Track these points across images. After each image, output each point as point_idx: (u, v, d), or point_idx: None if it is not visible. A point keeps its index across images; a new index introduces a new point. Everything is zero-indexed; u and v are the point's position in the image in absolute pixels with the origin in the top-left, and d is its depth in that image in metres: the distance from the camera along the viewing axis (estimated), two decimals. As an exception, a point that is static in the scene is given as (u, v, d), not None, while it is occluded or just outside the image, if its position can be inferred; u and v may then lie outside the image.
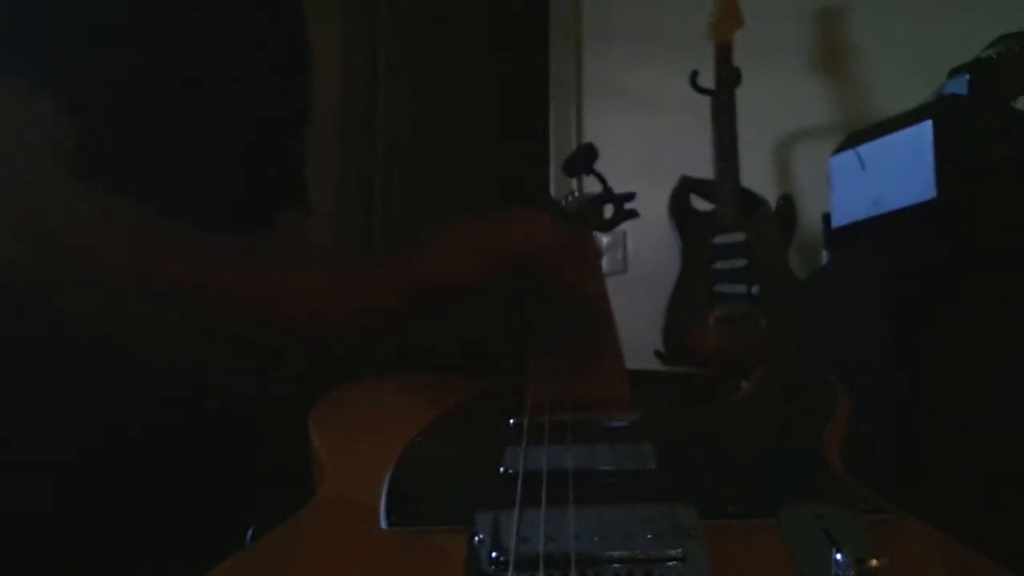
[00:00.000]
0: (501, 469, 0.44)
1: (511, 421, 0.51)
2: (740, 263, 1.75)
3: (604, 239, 2.10)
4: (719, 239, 1.78)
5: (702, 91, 1.85)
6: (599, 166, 1.17)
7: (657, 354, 1.78)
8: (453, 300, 0.61)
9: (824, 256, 1.53)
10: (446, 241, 0.62)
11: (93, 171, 0.58)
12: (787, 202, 1.85)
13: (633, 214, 1.14)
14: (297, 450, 0.51)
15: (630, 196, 1.13)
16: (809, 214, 1.80)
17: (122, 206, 0.58)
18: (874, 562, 0.34)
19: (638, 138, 2.15)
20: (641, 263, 2.12)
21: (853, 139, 1.27)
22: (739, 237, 1.76)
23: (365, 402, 0.57)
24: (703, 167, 1.83)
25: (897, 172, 1.15)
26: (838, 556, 0.34)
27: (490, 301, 0.65)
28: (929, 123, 1.11)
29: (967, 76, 1.17)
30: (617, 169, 1.19)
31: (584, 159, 1.19)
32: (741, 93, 1.82)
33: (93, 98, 0.61)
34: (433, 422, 0.53)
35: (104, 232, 0.57)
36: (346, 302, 0.60)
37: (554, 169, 2.31)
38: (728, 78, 1.82)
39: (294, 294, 0.59)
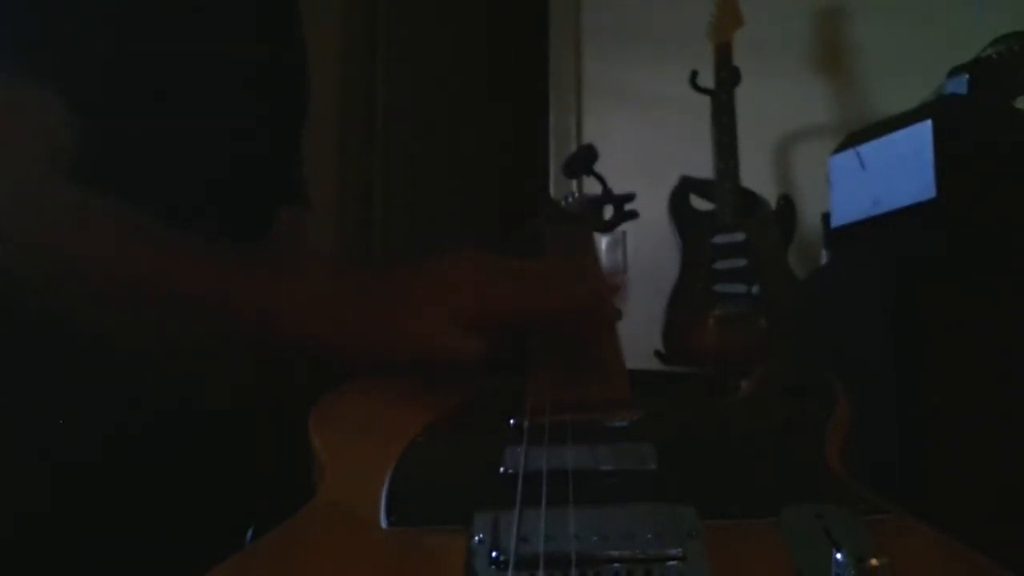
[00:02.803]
0: (501, 469, 0.44)
1: (511, 421, 0.51)
2: (740, 263, 1.75)
3: (604, 239, 2.11)
4: (719, 239, 1.78)
5: (702, 91, 1.85)
6: (599, 167, 1.17)
7: (657, 354, 1.78)
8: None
9: (824, 256, 1.53)
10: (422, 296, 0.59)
11: (92, 170, 0.58)
12: (787, 202, 1.85)
13: (633, 214, 1.15)
14: (297, 450, 0.51)
15: (630, 197, 1.14)
16: (809, 214, 1.80)
17: (120, 212, 0.58)
18: (874, 562, 0.34)
19: (638, 138, 2.15)
20: (641, 263, 2.12)
21: (853, 139, 1.27)
22: (739, 237, 1.76)
23: (365, 402, 0.57)
24: (703, 167, 1.83)
25: (897, 172, 1.15)
26: (838, 556, 0.34)
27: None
28: (929, 123, 1.11)
29: (967, 76, 1.18)
30: (617, 169, 1.19)
31: (584, 160, 1.19)
32: (741, 93, 1.82)
33: (92, 97, 0.61)
34: (433, 422, 0.53)
35: (100, 239, 0.57)
36: (338, 327, 0.59)
37: (554, 169, 2.31)
38: (728, 78, 1.82)
39: (284, 311, 0.59)
